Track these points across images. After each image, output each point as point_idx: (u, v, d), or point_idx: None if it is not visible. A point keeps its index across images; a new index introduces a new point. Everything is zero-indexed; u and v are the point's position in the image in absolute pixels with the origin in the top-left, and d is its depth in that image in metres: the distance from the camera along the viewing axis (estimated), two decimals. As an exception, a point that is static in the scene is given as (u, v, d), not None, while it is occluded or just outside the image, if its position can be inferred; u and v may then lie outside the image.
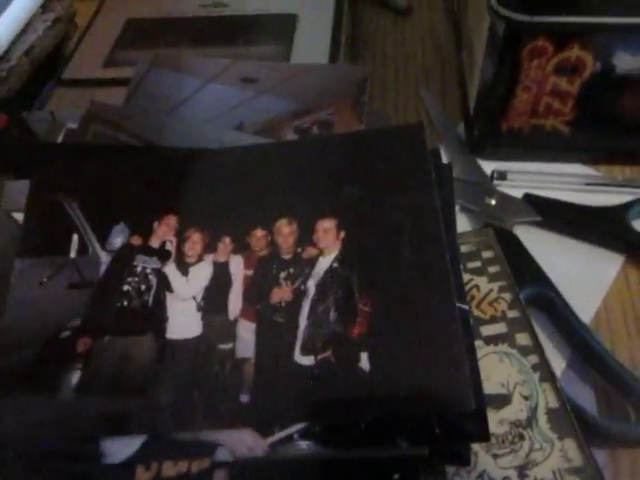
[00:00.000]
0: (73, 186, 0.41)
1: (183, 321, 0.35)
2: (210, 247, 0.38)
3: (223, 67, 0.50)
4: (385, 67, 0.63)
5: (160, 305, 0.36)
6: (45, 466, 0.32)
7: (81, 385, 0.34)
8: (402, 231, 0.36)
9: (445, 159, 0.50)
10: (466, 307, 0.34)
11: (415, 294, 0.34)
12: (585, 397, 0.39)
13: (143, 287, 0.37)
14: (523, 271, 0.42)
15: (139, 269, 0.37)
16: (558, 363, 0.40)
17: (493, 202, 0.49)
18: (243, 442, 0.31)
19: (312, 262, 0.36)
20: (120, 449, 0.32)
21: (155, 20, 0.60)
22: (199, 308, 0.36)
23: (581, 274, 0.45)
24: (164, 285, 0.37)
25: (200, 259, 0.37)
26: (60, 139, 0.45)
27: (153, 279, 0.37)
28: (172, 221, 0.39)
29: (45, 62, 0.61)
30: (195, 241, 0.38)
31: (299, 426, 0.31)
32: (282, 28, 0.57)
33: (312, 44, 0.55)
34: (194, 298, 0.36)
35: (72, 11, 0.66)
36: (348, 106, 0.45)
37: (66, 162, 0.43)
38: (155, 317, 0.36)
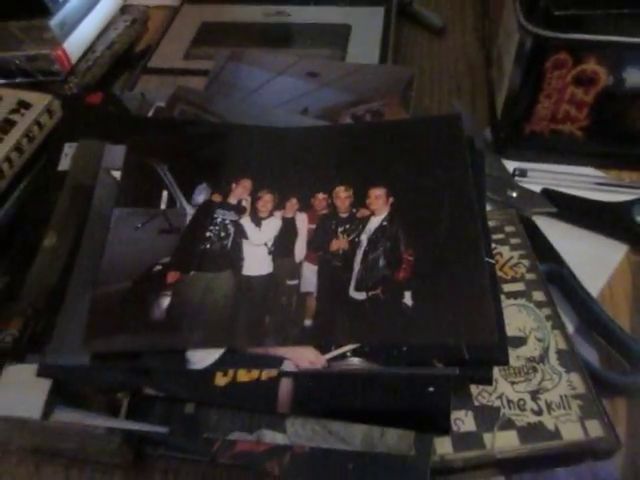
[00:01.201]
0: (163, 152, 0.49)
1: (257, 262, 0.42)
2: (279, 205, 0.45)
3: (290, 63, 0.58)
4: (421, 79, 0.70)
5: (237, 248, 0.43)
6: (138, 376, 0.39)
7: (171, 308, 0.41)
8: (441, 199, 0.43)
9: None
10: (492, 261, 0.40)
11: (451, 248, 0.41)
12: (589, 357, 0.45)
13: (222, 234, 0.44)
14: (539, 250, 0.49)
15: (219, 220, 0.45)
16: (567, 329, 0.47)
17: (514, 194, 0.55)
18: (306, 357, 0.38)
19: (365, 221, 0.43)
20: (202, 358, 0.39)
21: (226, 24, 0.69)
22: (270, 252, 0.43)
23: (589, 259, 0.51)
24: (240, 233, 0.44)
25: (271, 214, 0.45)
26: (150, 115, 0.53)
27: (231, 228, 0.44)
28: (247, 183, 0.46)
29: (121, 56, 0.70)
30: (267, 200, 0.45)
31: (352, 346, 0.38)
32: (337, 36, 0.65)
33: (363, 51, 0.63)
34: (266, 244, 0.43)
35: (146, 15, 0.75)
36: (396, 100, 0.53)
37: (157, 132, 0.51)
38: (233, 257, 0.43)
